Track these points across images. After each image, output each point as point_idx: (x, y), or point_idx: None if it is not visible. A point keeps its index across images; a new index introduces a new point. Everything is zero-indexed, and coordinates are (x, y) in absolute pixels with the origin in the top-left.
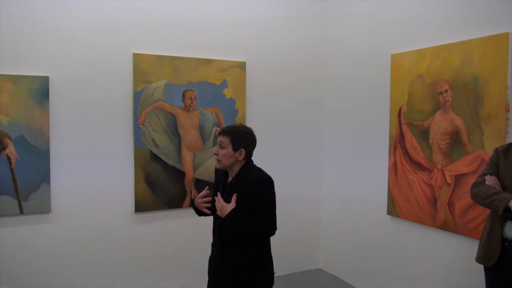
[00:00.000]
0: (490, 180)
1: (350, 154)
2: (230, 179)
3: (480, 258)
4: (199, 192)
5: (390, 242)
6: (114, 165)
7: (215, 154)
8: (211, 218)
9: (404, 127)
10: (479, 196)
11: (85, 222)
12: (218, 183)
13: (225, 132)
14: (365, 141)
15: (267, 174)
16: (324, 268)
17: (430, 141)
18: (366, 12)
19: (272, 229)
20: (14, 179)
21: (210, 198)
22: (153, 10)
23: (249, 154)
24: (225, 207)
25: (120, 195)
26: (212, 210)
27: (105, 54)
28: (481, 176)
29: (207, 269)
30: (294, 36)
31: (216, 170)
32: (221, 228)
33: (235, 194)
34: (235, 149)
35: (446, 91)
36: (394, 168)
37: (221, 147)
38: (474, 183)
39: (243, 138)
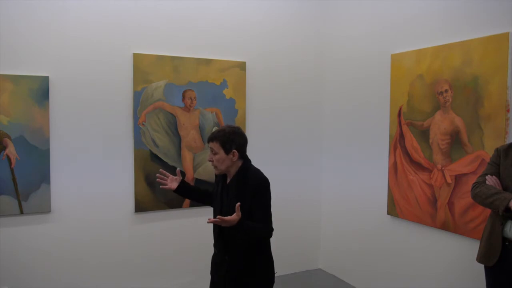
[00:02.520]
0: (490, 180)
1: (350, 154)
2: (228, 180)
3: (481, 258)
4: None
5: (390, 242)
6: (114, 165)
7: (210, 160)
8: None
9: (404, 127)
10: (480, 196)
11: (85, 222)
12: (218, 184)
13: (213, 138)
14: (365, 141)
15: (264, 175)
16: (324, 268)
17: (430, 141)
18: (366, 13)
19: (269, 231)
20: (14, 179)
21: (167, 177)
22: (153, 10)
23: (242, 153)
24: (232, 220)
25: (120, 195)
26: (213, 206)
27: (105, 54)
28: (482, 176)
29: (206, 269)
30: (294, 36)
31: None
32: (220, 229)
33: (238, 204)
34: (227, 152)
35: (446, 91)
36: (394, 168)
37: (214, 153)
38: (474, 183)
39: (231, 139)
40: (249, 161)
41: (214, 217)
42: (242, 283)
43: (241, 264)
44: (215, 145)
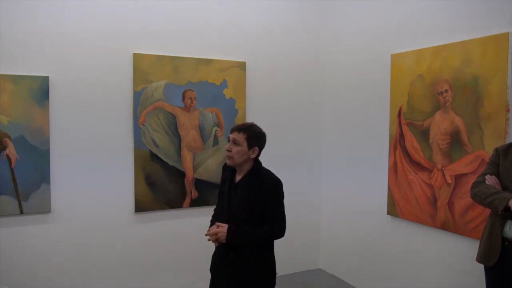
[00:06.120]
0: (490, 180)
1: (350, 154)
2: (238, 178)
3: (481, 258)
4: (199, 192)
5: (390, 242)
6: (114, 165)
7: (227, 150)
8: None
9: (404, 127)
10: (479, 195)
11: (85, 222)
12: (224, 182)
13: (241, 129)
14: (365, 141)
15: (276, 176)
16: (324, 268)
17: (430, 141)
18: (366, 12)
19: (283, 232)
20: (14, 179)
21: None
22: (153, 10)
23: (259, 154)
24: (221, 234)
25: (120, 195)
26: (215, 211)
27: (105, 54)
28: (481, 176)
29: (207, 269)
30: (294, 36)
31: (224, 168)
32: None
33: (215, 227)
34: (250, 147)
35: (446, 91)
36: (394, 168)
37: (235, 144)
38: (474, 182)
39: (257, 137)
40: (260, 162)
41: (218, 217)
42: (244, 283)
43: (243, 263)
44: (241, 137)
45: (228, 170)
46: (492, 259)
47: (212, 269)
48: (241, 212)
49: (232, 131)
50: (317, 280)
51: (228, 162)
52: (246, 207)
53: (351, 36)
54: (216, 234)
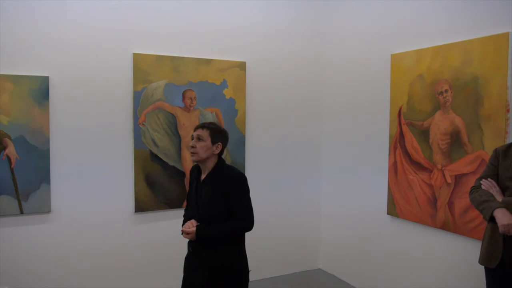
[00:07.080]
0: (485, 184)
1: (350, 153)
2: (203, 176)
3: (483, 260)
4: None
5: (390, 242)
6: (114, 165)
7: (192, 146)
8: None
9: (404, 127)
10: (473, 202)
11: (85, 222)
12: (191, 183)
13: (204, 126)
14: (365, 141)
15: (240, 171)
16: (324, 268)
17: (430, 141)
18: (366, 12)
19: (251, 225)
20: (14, 179)
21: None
22: (153, 10)
23: (222, 150)
24: (191, 232)
25: (120, 195)
26: (186, 211)
27: (105, 54)
28: (480, 179)
29: None
30: (294, 36)
31: (191, 171)
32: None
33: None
34: (213, 142)
35: (446, 91)
36: (394, 168)
37: (199, 139)
38: (472, 187)
39: (220, 134)
40: (223, 160)
41: (189, 217)
42: (217, 281)
43: (215, 262)
44: (205, 133)
45: (195, 171)
46: (494, 261)
47: (185, 270)
48: (208, 209)
49: (195, 129)
50: (317, 280)
51: (193, 158)
52: (212, 204)
53: (351, 36)
54: (188, 234)
